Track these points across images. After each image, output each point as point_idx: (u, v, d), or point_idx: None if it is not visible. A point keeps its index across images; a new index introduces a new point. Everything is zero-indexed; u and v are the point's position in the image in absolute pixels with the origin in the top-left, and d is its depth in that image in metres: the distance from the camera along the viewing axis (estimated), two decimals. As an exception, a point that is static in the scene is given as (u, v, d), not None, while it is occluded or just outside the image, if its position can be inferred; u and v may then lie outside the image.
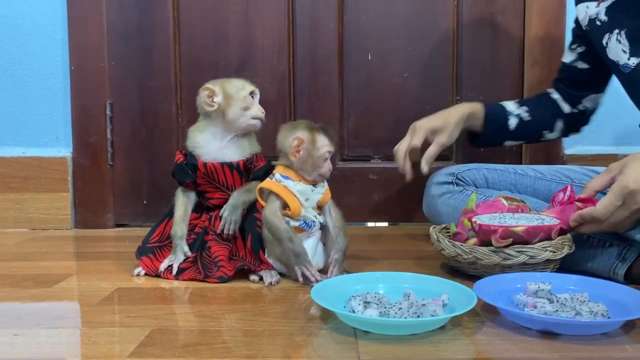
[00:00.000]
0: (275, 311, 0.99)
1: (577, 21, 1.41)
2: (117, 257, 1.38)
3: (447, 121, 1.39)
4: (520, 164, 1.67)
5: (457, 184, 1.41)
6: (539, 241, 1.10)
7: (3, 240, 1.56)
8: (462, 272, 1.17)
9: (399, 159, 1.37)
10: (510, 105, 1.48)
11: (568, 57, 1.46)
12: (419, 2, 1.70)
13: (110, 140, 1.71)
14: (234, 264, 1.17)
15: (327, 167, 1.17)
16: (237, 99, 1.21)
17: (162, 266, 1.18)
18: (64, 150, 1.72)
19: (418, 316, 0.88)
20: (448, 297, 0.94)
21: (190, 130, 1.25)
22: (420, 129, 1.37)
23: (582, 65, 1.43)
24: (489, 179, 1.44)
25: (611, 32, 1.26)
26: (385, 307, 0.91)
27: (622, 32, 1.24)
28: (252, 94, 1.23)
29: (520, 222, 1.12)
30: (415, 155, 1.37)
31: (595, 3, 1.30)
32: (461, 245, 1.14)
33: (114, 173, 1.73)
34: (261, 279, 1.15)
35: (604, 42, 1.28)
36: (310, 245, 1.16)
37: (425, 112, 1.40)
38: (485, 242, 1.12)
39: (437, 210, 1.41)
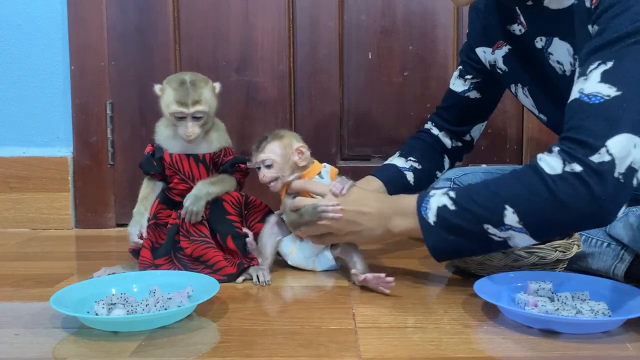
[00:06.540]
0: (276, 310, 0.99)
1: (473, 55, 1.31)
2: (118, 256, 1.38)
3: None
4: (521, 164, 1.67)
5: None
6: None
7: (4, 240, 1.56)
8: (467, 271, 1.18)
9: None
10: (399, 161, 1.35)
11: (459, 87, 1.35)
12: (418, 0, 1.70)
13: (110, 139, 1.71)
14: (234, 261, 1.16)
15: (259, 174, 1.16)
16: (166, 115, 1.19)
17: (132, 239, 1.20)
18: (65, 150, 1.72)
19: (165, 309, 0.92)
20: (192, 288, 0.99)
21: (157, 124, 1.25)
22: None
23: (475, 95, 1.33)
24: None
25: (516, 85, 1.22)
26: (132, 306, 0.93)
27: (525, 89, 1.20)
28: (177, 115, 1.15)
29: None
30: None
31: (490, 50, 1.24)
32: None
33: (114, 172, 1.73)
34: (250, 278, 1.14)
35: (512, 90, 1.25)
36: (311, 246, 1.17)
37: (425, 111, 1.39)
38: None
39: None
